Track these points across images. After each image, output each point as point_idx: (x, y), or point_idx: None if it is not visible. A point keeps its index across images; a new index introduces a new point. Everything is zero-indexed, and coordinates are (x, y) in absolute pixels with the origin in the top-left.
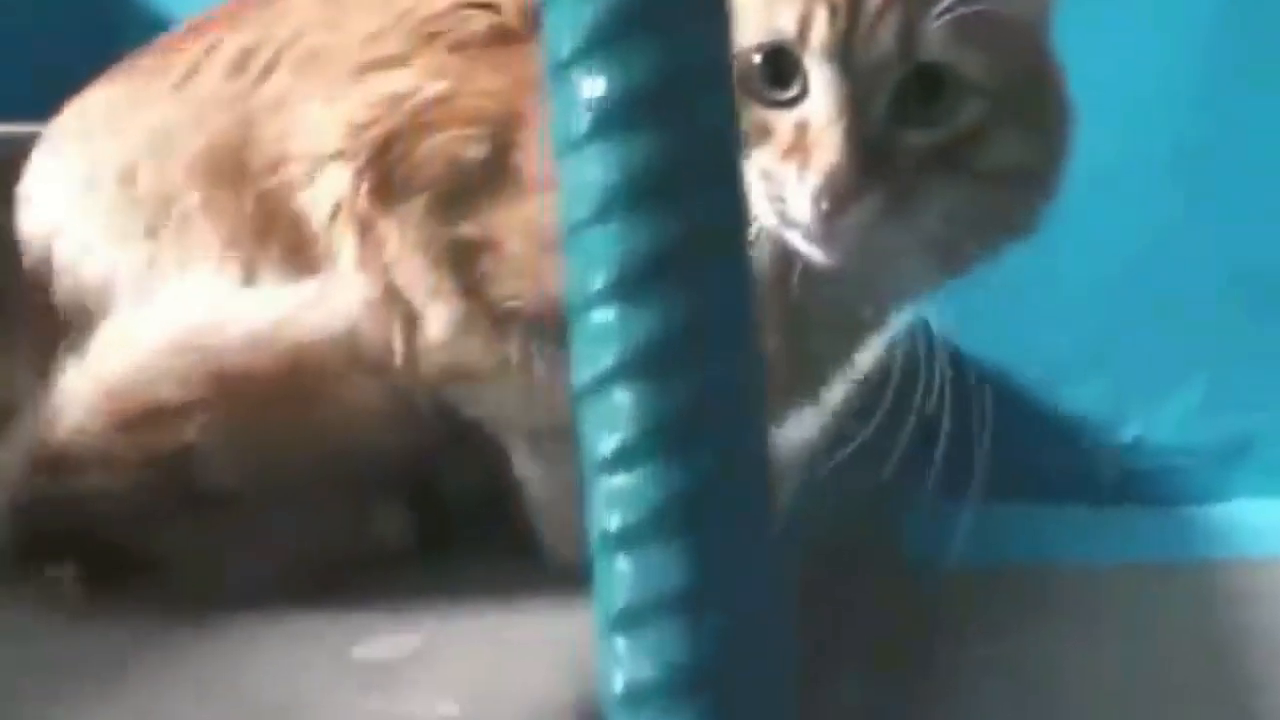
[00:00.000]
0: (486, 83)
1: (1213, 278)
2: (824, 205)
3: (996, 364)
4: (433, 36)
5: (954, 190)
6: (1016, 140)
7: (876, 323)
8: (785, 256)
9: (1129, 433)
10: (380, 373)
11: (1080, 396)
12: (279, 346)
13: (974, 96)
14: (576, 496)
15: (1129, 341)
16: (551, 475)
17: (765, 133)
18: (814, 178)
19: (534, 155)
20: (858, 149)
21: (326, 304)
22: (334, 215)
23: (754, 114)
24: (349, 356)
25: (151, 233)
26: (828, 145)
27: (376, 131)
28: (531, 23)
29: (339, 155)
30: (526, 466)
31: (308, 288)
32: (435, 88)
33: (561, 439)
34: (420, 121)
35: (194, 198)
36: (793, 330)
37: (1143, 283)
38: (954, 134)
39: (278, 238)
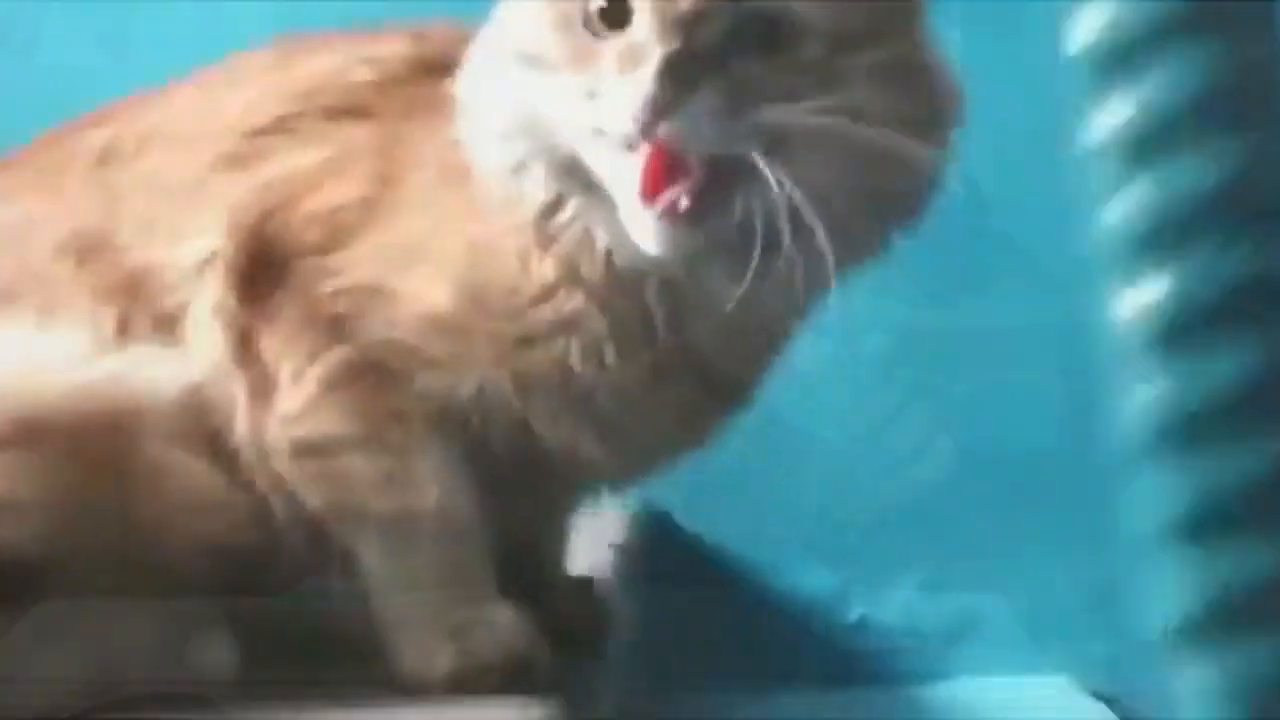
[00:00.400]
0: (367, 129)
1: (935, 464)
2: (646, 110)
3: (720, 546)
4: (314, 94)
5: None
6: (868, 87)
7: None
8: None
9: (854, 613)
10: (215, 455)
11: (805, 578)
12: (97, 402)
13: (812, 38)
14: (432, 598)
15: (854, 524)
16: (404, 573)
17: (593, 57)
18: (637, 85)
19: (409, 182)
20: (682, 58)
21: (158, 367)
22: (200, 271)
23: (586, 46)
24: (175, 428)
25: (10, 298)
26: (651, 56)
27: (253, 212)
28: (418, 72)
29: (213, 235)
30: (375, 563)
31: (144, 349)
32: (312, 155)
33: (417, 528)
34: (296, 190)
35: (65, 267)
36: (665, 371)
37: (867, 467)
38: (793, 68)
39: (142, 306)
